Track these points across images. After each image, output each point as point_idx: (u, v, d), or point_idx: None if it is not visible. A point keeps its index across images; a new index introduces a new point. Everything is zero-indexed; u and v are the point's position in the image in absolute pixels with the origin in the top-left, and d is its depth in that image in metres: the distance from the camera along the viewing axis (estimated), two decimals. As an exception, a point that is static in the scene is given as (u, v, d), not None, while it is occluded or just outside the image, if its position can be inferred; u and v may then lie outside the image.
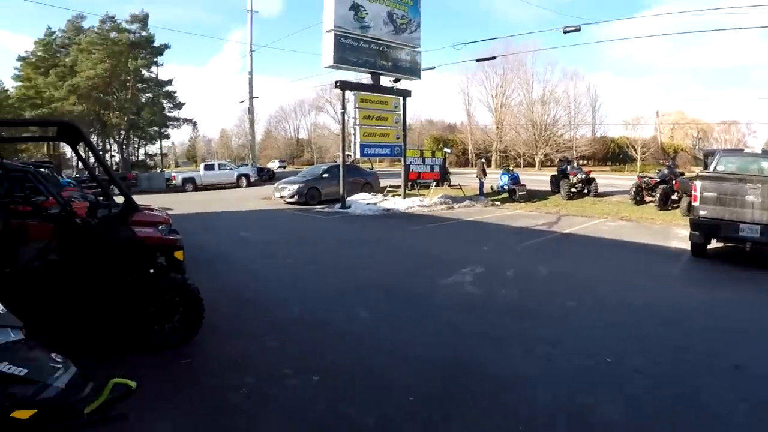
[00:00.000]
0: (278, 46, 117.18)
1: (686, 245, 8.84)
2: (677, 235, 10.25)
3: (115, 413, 2.31)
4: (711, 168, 8.43)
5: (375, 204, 15.35)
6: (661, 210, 13.26)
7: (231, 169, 28.40)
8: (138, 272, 3.94)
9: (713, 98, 75.68)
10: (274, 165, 45.00)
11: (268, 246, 9.33)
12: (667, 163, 15.79)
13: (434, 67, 20.78)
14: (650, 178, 14.68)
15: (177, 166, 61.89)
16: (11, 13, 55.40)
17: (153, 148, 44.48)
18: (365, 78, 16.00)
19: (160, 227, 5.10)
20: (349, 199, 16.09)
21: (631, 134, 42.68)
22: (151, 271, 4.11)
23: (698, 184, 7.56)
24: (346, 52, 14.81)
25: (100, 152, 37.81)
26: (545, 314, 5.19)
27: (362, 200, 15.91)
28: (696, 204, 7.55)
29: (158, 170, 37.55)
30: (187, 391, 3.36)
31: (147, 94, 39.71)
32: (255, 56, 35.52)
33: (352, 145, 15.96)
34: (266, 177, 29.90)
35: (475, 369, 3.79)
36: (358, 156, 16.22)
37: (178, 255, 4.45)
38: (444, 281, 6.53)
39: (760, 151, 9.39)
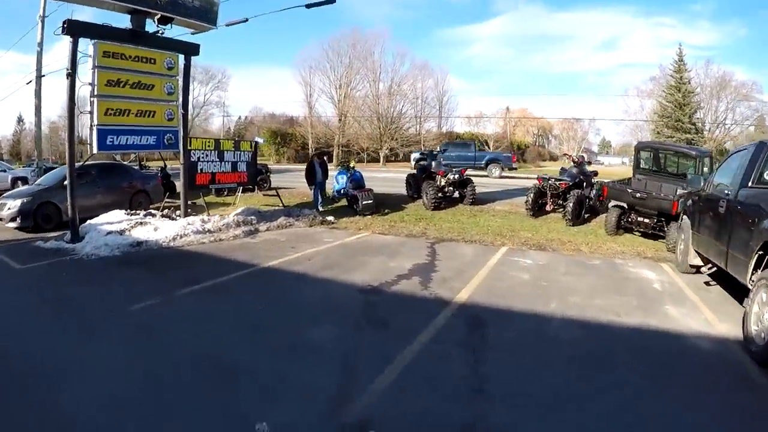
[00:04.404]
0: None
1: (695, 319, 4.77)
2: (649, 282, 5.88)
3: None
4: (752, 181, 4.47)
5: (124, 232, 8.64)
6: (573, 225, 9.10)
7: (4, 171, 21.93)
8: None
9: (553, 99, 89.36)
10: None
11: None
12: (574, 160, 11.35)
13: (247, 20, 14.44)
14: (558, 180, 10.27)
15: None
16: None
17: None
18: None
19: None
20: (90, 222, 9.27)
21: (474, 130, 42.27)
22: None
23: None
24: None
25: None
26: None
27: (107, 225, 9.04)
28: None
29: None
30: None
31: None
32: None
33: (89, 129, 9.03)
34: None
35: None
36: (95, 150, 9.14)
37: None
38: None
39: None
